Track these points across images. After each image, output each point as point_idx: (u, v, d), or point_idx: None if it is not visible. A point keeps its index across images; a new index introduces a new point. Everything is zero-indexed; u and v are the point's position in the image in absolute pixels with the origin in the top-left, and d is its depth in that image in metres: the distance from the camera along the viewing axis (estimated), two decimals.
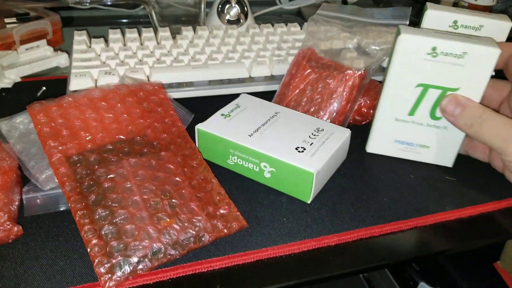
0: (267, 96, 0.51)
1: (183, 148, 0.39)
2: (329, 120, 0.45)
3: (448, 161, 0.44)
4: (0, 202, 0.32)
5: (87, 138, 0.36)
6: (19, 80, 0.53)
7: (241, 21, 0.67)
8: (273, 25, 0.65)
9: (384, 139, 0.44)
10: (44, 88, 0.52)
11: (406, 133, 0.43)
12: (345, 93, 0.45)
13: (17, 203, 0.35)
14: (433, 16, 0.44)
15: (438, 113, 0.41)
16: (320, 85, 0.46)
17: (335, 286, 0.87)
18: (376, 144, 0.45)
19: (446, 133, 0.42)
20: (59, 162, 0.34)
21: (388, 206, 0.39)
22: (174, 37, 0.59)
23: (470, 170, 0.45)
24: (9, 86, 0.52)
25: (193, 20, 0.68)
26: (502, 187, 0.43)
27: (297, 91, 0.46)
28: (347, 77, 0.45)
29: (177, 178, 0.36)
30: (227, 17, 0.67)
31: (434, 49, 0.38)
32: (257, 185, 0.40)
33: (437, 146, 0.43)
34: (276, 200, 0.39)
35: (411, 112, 0.42)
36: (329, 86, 0.45)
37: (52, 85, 0.53)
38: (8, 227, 0.32)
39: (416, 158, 0.45)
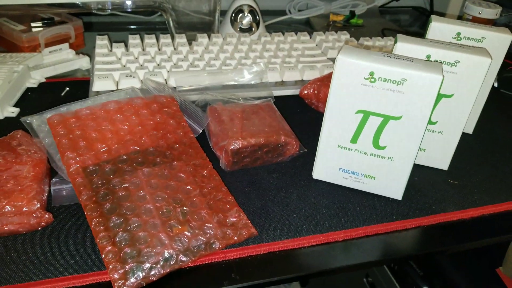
0: (277, 101, 0.54)
1: (194, 158, 0.41)
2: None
3: (396, 193, 0.42)
4: (33, 191, 0.34)
5: (103, 150, 0.38)
6: (44, 80, 0.56)
7: (253, 29, 0.70)
8: (283, 34, 0.68)
9: (328, 166, 0.43)
10: (68, 88, 0.55)
11: (350, 161, 0.41)
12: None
13: (46, 193, 0.37)
14: (437, 28, 0.46)
15: (382, 142, 0.39)
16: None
17: None
18: (321, 171, 0.43)
19: (392, 164, 0.40)
20: (76, 172, 0.36)
21: (393, 206, 0.42)
22: (190, 44, 0.62)
23: (472, 174, 0.47)
24: (35, 85, 0.55)
25: (207, 28, 0.71)
26: (502, 191, 0.45)
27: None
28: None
29: (189, 187, 0.38)
30: (240, 25, 0.70)
31: (371, 74, 0.36)
32: (268, 183, 0.43)
33: (383, 177, 0.41)
34: (286, 197, 0.42)
35: (353, 140, 0.40)
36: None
37: (75, 86, 0.55)
38: (40, 214, 0.34)
39: (362, 188, 0.43)
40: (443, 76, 0.35)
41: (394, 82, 0.37)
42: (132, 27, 0.77)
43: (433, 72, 0.36)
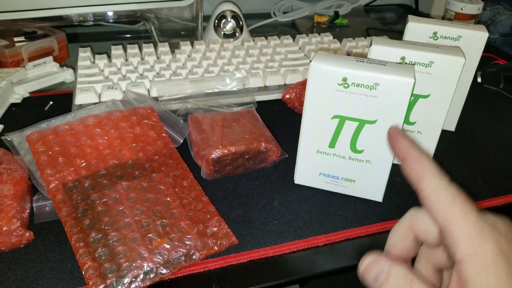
0: (260, 106, 0.54)
1: (174, 168, 0.41)
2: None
3: (377, 195, 0.43)
4: (13, 210, 0.35)
5: (82, 165, 0.38)
6: (28, 95, 0.56)
7: (237, 34, 0.71)
8: (266, 38, 0.68)
9: (309, 171, 0.43)
10: (51, 102, 0.55)
11: (329, 166, 0.42)
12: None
13: (28, 210, 0.38)
14: (413, 28, 0.47)
15: (359, 146, 0.40)
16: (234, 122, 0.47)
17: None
18: (303, 176, 0.44)
19: (370, 167, 0.41)
20: (56, 189, 0.37)
21: (374, 208, 0.42)
22: (173, 52, 0.63)
23: (453, 172, 0.47)
24: (19, 101, 0.55)
25: (191, 34, 0.71)
26: (483, 188, 0.45)
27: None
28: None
29: (168, 198, 0.38)
30: (223, 31, 0.70)
31: (345, 79, 0.37)
32: (250, 190, 0.43)
33: (363, 180, 0.42)
34: (268, 204, 0.42)
35: (331, 144, 0.40)
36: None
37: (59, 99, 0.56)
38: (21, 232, 0.34)
39: (343, 191, 0.43)
40: (415, 79, 0.36)
41: (367, 87, 0.37)
42: (117, 36, 0.77)
43: (405, 76, 0.36)
